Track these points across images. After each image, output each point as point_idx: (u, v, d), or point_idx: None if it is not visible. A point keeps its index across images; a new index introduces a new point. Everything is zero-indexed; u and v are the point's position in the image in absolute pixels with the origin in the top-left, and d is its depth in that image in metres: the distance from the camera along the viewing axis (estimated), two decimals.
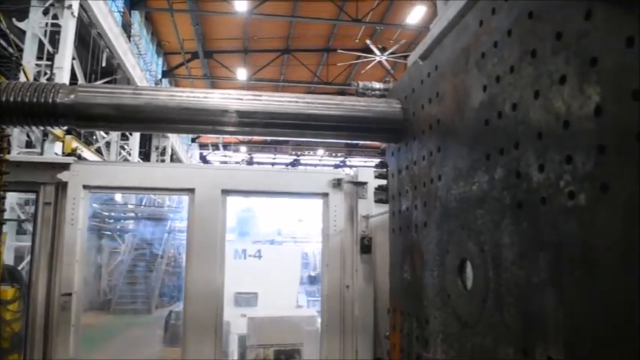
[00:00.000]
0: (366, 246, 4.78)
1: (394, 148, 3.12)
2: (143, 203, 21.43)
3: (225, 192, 5.02)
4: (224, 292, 5.05)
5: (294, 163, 39.82)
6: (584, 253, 1.41)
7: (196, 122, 2.94)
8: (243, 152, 40.66)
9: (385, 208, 3.65)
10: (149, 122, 3.00)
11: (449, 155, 2.33)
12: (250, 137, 36.53)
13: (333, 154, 40.55)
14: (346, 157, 40.50)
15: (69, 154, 11.73)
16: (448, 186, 2.31)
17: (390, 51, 20.86)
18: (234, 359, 9.17)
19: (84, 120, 2.90)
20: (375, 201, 3.86)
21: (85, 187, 4.88)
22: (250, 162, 39.78)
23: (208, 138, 37.44)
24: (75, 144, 13.28)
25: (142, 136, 21.65)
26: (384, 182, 3.52)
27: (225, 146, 39.99)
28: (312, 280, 16.89)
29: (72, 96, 2.79)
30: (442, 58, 2.45)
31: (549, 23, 1.62)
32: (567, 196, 1.49)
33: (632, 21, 1.28)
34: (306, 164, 40.28)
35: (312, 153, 40.44)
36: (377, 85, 3.48)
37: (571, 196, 1.47)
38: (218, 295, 4.88)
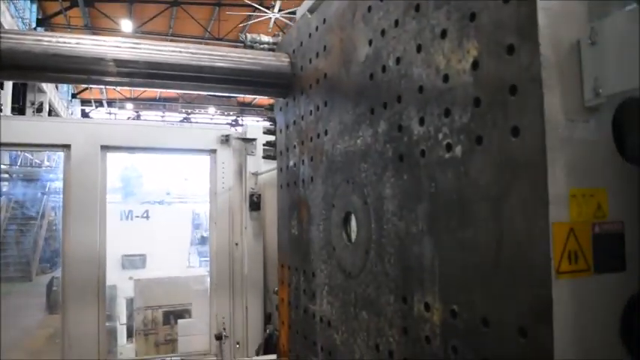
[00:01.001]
0: (255, 203, 4.75)
1: (282, 103, 3.07)
2: (19, 163, 19.88)
3: (106, 148, 4.72)
4: (107, 255, 4.81)
5: (184, 122, 38.53)
6: (458, 203, 1.47)
7: (68, 71, 2.69)
8: (129, 110, 38.56)
9: (274, 164, 3.62)
10: (13, 69, 2.71)
11: (335, 110, 2.33)
12: (137, 93, 34.74)
13: (225, 113, 39.66)
14: (238, 116, 39.80)
15: None
16: (334, 140, 2.32)
17: (281, 9, 20.53)
18: (123, 323, 8.92)
19: None
20: (264, 157, 3.82)
21: None
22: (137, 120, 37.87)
23: (91, 93, 35.02)
24: None
25: (15, 89, 19.81)
26: (272, 138, 3.48)
27: (110, 103, 37.69)
28: (204, 241, 16.67)
29: None
30: (330, 11, 2.42)
31: None
32: (445, 149, 1.53)
33: None
34: (196, 123, 39.10)
35: (203, 111, 39.27)
36: (265, 38, 3.39)
37: (448, 149, 1.52)
38: (100, 259, 4.64)
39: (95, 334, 4.40)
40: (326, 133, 2.41)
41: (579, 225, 1.22)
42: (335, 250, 2.29)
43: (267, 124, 3.66)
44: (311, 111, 2.60)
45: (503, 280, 1.29)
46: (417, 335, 1.63)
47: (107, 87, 24.58)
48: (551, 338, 1.16)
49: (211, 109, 38.84)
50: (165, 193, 17.19)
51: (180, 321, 6.22)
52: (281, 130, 3.10)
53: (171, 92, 30.55)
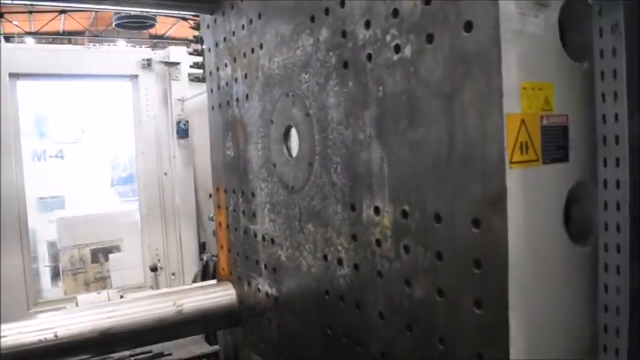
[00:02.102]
0: (182, 130, 4.58)
1: (210, 20, 2.90)
2: None
3: (15, 76, 4.33)
4: (25, 195, 4.53)
5: None
6: (408, 104, 1.45)
7: None
8: (30, 44, 35.66)
9: (201, 89, 3.48)
10: None
11: (270, 22, 2.22)
12: (38, 27, 32.10)
13: (137, 46, 37.59)
14: (152, 49, 37.83)
15: None
16: (270, 54, 2.23)
17: None
18: (47, 265, 8.61)
19: None
20: (191, 80, 3.65)
21: None
22: None
23: None
24: None
25: None
26: (199, 59, 3.32)
27: (8, 38, 34.69)
28: (124, 181, 16.07)
29: None
30: None
31: None
32: (393, 50, 1.50)
33: None
34: None
35: (112, 45, 36.99)
36: None
37: (397, 50, 1.49)
38: (19, 200, 4.36)
39: (22, 278, 4.20)
40: (261, 47, 2.31)
41: (529, 117, 1.24)
42: (276, 167, 2.25)
43: (192, 42, 3.48)
44: (243, 25, 2.48)
45: (455, 175, 1.31)
46: (367, 240, 1.66)
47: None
48: (505, 226, 1.19)
49: (121, 43, 36.63)
50: (80, 131, 16.29)
51: (111, 255, 6.06)
52: (210, 49, 2.95)
53: (77, 25, 28.42)
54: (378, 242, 1.61)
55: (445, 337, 1.38)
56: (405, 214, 1.49)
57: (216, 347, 3.44)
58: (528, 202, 1.23)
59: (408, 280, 1.49)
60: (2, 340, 2.38)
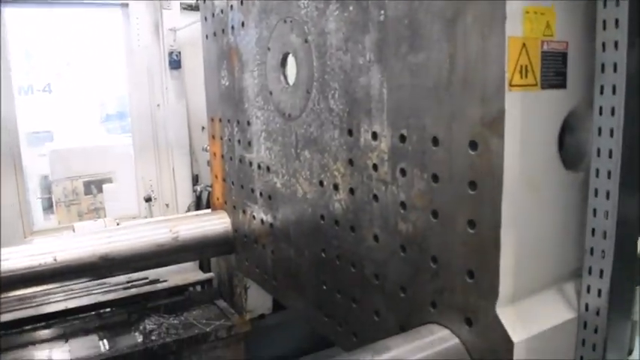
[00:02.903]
0: (175, 61, 4.50)
1: None
2: None
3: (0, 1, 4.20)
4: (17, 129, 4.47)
5: None
6: (410, 28, 1.45)
7: None
8: None
9: (193, 18, 3.41)
10: None
11: None
12: None
13: None
14: None
15: None
16: None
17: None
18: (38, 197, 8.63)
19: None
20: (183, 8, 3.56)
21: None
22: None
23: None
24: None
25: None
26: None
27: None
28: (113, 118, 15.84)
29: None
30: None
31: None
32: None
33: None
34: None
35: None
36: None
37: None
38: (11, 133, 4.30)
39: (17, 209, 4.22)
40: None
41: (530, 41, 1.25)
42: (272, 95, 2.25)
43: None
44: None
45: (455, 99, 1.33)
46: (364, 164, 1.68)
47: None
48: (501, 148, 1.22)
49: None
50: (66, 64, 15.92)
51: (105, 186, 6.08)
52: None
53: None
54: (375, 167, 1.63)
55: (438, 257, 1.44)
56: (402, 138, 1.51)
57: (210, 274, 3.52)
58: (525, 126, 1.25)
59: (403, 202, 1.53)
60: (2, 263, 2.42)
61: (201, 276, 3.53)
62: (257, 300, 3.16)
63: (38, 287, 2.60)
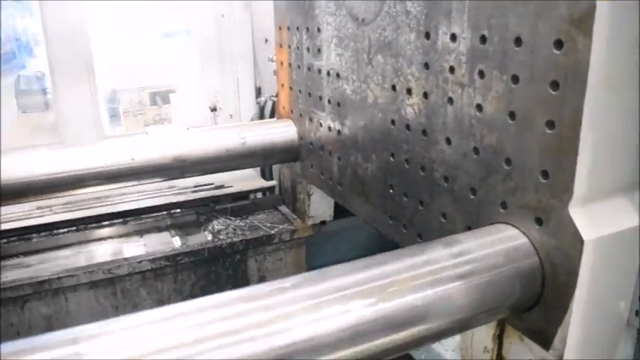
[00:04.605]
0: None
1: None
2: None
3: None
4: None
5: None
6: None
7: None
8: None
9: None
10: None
11: None
12: None
13: None
14: None
15: None
16: None
17: None
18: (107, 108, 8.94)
19: None
20: None
21: None
22: None
23: None
24: None
25: None
26: None
27: None
28: (171, 34, 15.82)
29: None
30: None
31: None
32: None
33: None
34: None
35: None
36: None
37: None
38: (85, 34, 4.41)
39: (90, 114, 4.40)
40: None
41: None
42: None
43: None
44: None
45: None
46: (440, 67, 1.69)
47: None
48: (588, 48, 1.20)
49: None
50: None
51: (172, 95, 6.25)
52: None
53: None
54: (452, 69, 1.64)
55: (512, 158, 1.46)
56: (483, 39, 1.49)
57: (273, 182, 3.66)
58: (614, 25, 1.22)
59: (479, 104, 1.54)
60: (80, 161, 2.57)
61: (265, 183, 3.67)
62: (319, 207, 3.28)
63: (115, 185, 2.75)
